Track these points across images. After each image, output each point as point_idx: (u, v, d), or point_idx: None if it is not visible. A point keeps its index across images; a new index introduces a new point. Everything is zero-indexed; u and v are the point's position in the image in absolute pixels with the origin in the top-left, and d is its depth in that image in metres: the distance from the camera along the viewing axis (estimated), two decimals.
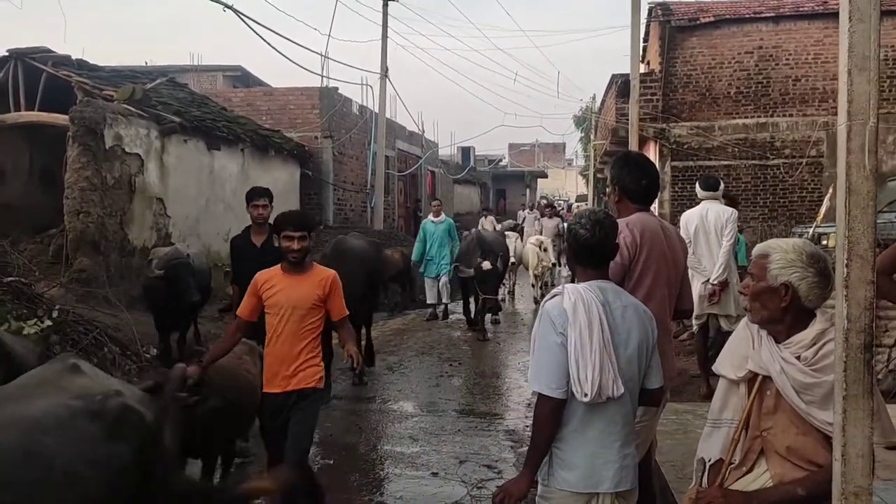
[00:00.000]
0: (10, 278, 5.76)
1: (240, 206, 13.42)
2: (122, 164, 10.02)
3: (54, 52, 11.54)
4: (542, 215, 15.84)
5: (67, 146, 9.54)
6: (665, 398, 3.18)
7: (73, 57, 11.74)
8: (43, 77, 11.11)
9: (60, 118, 10.18)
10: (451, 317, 12.07)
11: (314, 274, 4.02)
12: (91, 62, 12.16)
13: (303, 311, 3.89)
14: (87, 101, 10.00)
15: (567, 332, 2.46)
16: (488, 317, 10.71)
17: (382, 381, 7.96)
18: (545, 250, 12.68)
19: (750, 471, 2.48)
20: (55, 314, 5.54)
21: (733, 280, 6.25)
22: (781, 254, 2.43)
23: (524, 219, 18.76)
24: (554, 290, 2.64)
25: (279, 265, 4.02)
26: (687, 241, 5.61)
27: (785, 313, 2.43)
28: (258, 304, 3.97)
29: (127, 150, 10.16)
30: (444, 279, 11.53)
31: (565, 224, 15.02)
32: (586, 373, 2.42)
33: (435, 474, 5.16)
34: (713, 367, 2.76)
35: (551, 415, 2.50)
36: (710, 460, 2.59)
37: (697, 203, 6.56)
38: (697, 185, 6.56)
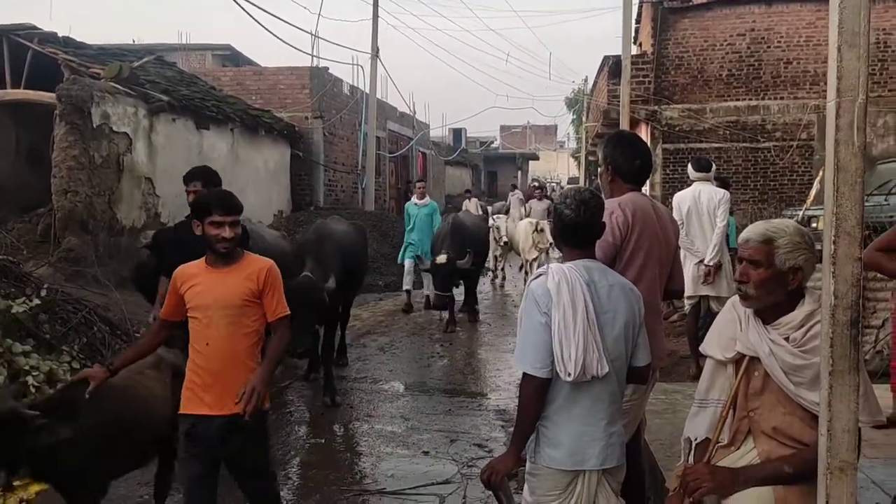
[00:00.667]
0: None
1: (230, 186, 13.27)
2: (109, 142, 9.94)
3: (40, 29, 11.38)
4: (532, 197, 15.26)
5: (54, 125, 9.44)
6: (654, 377, 3.20)
7: (60, 34, 11.59)
8: (29, 54, 10.96)
9: (47, 96, 10.06)
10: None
11: (245, 265, 3.29)
12: (78, 40, 12.00)
13: (233, 312, 3.20)
14: (73, 78, 9.89)
15: (551, 312, 2.46)
16: (460, 309, 10.07)
17: (374, 362, 7.99)
18: (541, 231, 11.86)
19: (737, 449, 2.51)
20: (44, 293, 5.51)
21: (725, 261, 6.29)
22: (788, 238, 2.42)
23: (511, 201, 18.44)
24: (538, 270, 2.64)
25: (203, 258, 3.32)
26: (679, 222, 5.64)
27: (789, 297, 2.44)
28: (181, 303, 3.28)
29: (115, 128, 10.07)
30: (409, 264, 10.77)
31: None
32: (570, 352, 2.43)
33: (426, 453, 5.19)
34: (700, 348, 2.78)
35: (536, 393, 2.51)
36: (696, 439, 2.62)
37: (689, 185, 6.57)
38: (689, 166, 6.57)
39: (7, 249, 6.52)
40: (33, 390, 4.53)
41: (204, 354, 3.21)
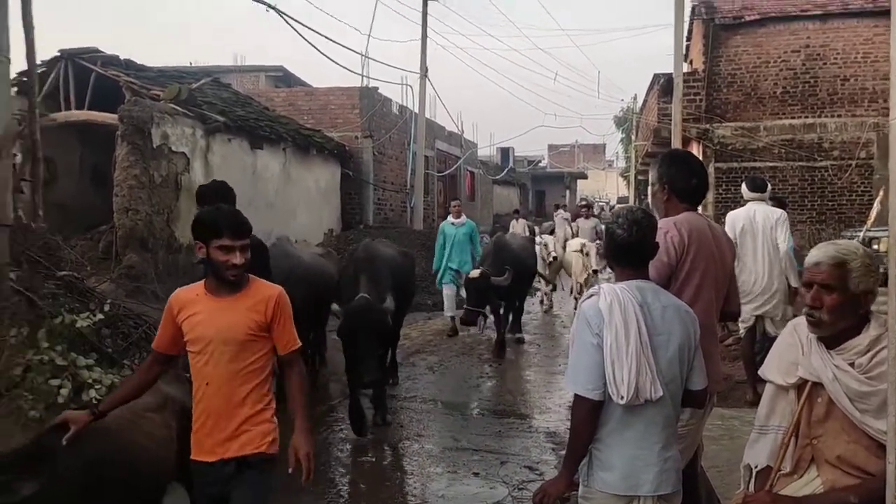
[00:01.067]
0: (63, 272, 5.92)
1: (282, 205, 13.71)
2: (168, 162, 10.24)
3: (103, 52, 11.84)
4: (578, 216, 14.86)
5: (116, 145, 9.77)
6: (711, 402, 3.14)
7: (121, 57, 12.04)
8: (92, 77, 11.41)
9: (109, 117, 10.44)
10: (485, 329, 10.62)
11: (250, 292, 2.90)
12: (138, 63, 12.45)
13: (236, 347, 2.83)
14: (135, 100, 10.24)
15: (603, 333, 2.44)
16: (511, 335, 9.83)
17: (423, 381, 8.00)
18: (587, 254, 11.37)
19: (800, 477, 2.44)
20: (107, 308, 5.69)
21: (781, 283, 6.14)
22: (860, 260, 2.35)
23: (556, 221, 18.10)
24: (590, 290, 2.63)
25: (202, 281, 2.95)
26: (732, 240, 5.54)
27: (861, 321, 2.37)
28: (178, 334, 2.91)
29: (173, 148, 10.37)
30: (453, 290, 10.17)
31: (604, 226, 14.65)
32: (622, 374, 2.40)
33: (476, 474, 5.16)
34: (759, 372, 2.71)
35: (588, 416, 2.49)
36: (756, 466, 2.55)
37: (743, 204, 6.44)
38: (744, 185, 6.43)
39: (72, 265, 6.75)
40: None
41: (204, 395, 2.87)
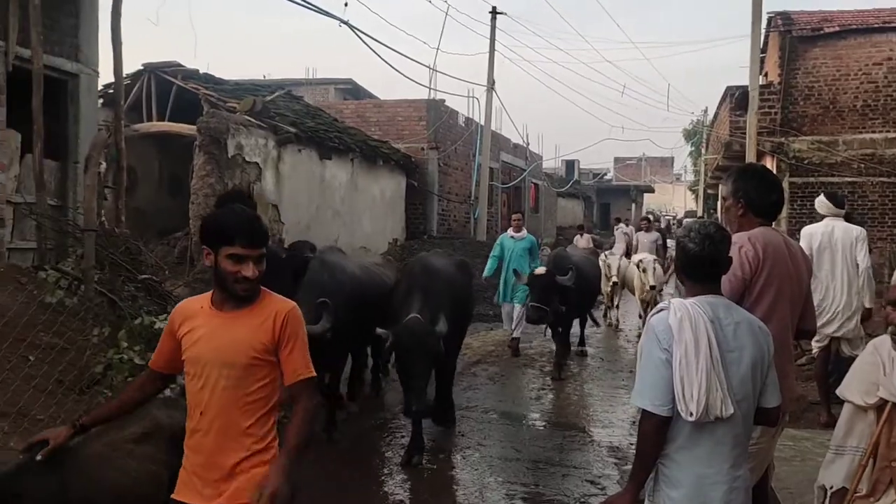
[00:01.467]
0: (143, 276, 6.19)
1: (348, 214, 13.97)
2: (242, 171, 10.59)
3: (184, 66, 12.36)
4: (639, 229, 14.24)
5: (194, 155, 10.17)
6: (784, 420, 3.05)
7: (200, 71, 12.54)
8: (173, 89, 11.91)
9: (187, 128, 10.88)
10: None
11: (259, 308, 2.48)
12: (216, 76, 12.93)
13: (237, 371, 2.41)
14: (212, 112, 10.65)
15: (672, 349, 2.41)
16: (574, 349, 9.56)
17: (484, 391, 8.00)
18: (644, 271, 10.98)
19: (877, 501, 2.36)
20: None
21: (856, 302, 5.93)
22: None
23: (616, 235, 17.65)
24: (660, 305, 2.59)
25: (209, 293, 2.56)
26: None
27: None
28: (177, 349, 2.53)
29: (247, 158, 10.73)
30: (519, 309, 9.61)
31: (668, 240, 14.24)
32: (692, 391, 2.36)
33: (537, 486, 5.14)
34: (837, 392, 2.64)
35: (655, 432, 2.45)
36: (831, 488, 2.49)
37: (818, 220, 6.24)
38: (823, 199, 6.15)
39: (151, 269, 7.05)
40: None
41: (197, 425, 2.46)
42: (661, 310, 2.54)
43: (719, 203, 22.87)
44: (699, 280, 2.58)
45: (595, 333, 11.80)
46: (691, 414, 2.37)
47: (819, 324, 5.68)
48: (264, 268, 2.46)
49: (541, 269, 8.42)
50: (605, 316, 12.90)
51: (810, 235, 6.03)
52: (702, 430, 2.43)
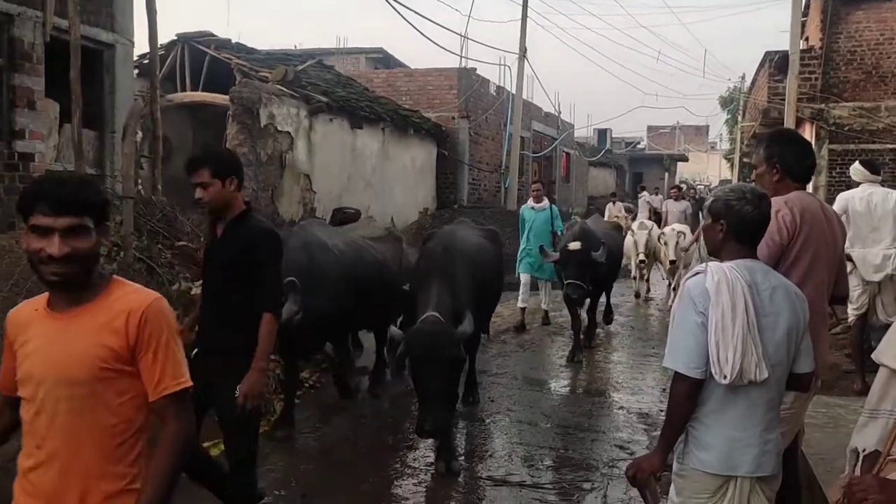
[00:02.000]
0: (180, 243, 6.31)
1: (379, 184, 14.02)
2: (274, 141, 10.66)
3: (216, 36, 12.41)
4: (668, 198, 13.75)
5: (227, 124, 10.26)
6: (816, 386, 3.04)
7: (233, 41, 12.59)
8: (206, 59, 11.98)
9: (220, 98, 10.96)
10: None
11: (107, 303, 1.90)
12: (248, 46, 12.97)
13: (82, 390, 1.85)
14: (244, 81, 10.70)
15: (708, 312, 2.39)
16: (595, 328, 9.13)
17: (514, 358, 8.06)
18: (665, 244, 10.82)
19: None
20: None
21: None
22: None
23: (639, 203, 17.31)
24: (697, 268, 2.57)
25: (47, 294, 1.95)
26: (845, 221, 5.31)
27: None
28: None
29: (279, 128, 10.79)
30: (543, 284, 9.66)
31: (697, 209, 13.98)
32: (727, 354, 2.35)
33: (566, 450, 5.19)
34: (873, 356, 2.61)
35: (687, 394, 2.45)
36: (864, 450, 2.47)
37: (855, 186, 6.12)
38: (858, 166, 6.05)
39: (187, 237, 7.18)
40: None
41: (35, 464, 1.90)
42: (698, 273, 2.53)
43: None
44: (743, 243, 2.55)
45: (625, 302, 11.77)
46: (725, 377, 2.37)
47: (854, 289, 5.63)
48: (91, 245, 1.84)
49: (575, 244, 7.94)
50: (634, 283, 12.69)
51: (848, 200, 5.92)
52: (735, 393, 2.43)
